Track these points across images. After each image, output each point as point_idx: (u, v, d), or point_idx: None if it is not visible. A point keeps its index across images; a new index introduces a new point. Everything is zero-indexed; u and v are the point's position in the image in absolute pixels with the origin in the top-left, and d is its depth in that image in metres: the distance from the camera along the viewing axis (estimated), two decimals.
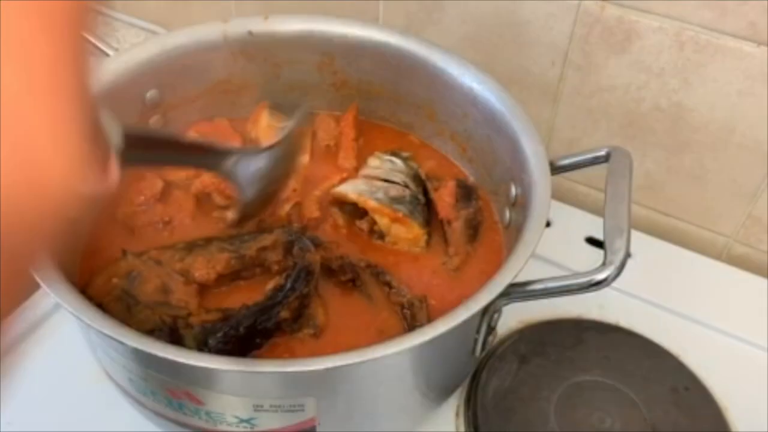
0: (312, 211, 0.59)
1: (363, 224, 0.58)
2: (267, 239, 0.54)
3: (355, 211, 0.58)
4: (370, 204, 0.57)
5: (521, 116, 0.56)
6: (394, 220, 0.57)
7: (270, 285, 0.52)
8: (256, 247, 0.53)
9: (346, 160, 0.63)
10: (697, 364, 0.62)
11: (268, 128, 0.63)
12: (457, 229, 0.58)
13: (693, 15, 0.62)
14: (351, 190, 0.58)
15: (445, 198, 0.59)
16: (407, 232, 0.57)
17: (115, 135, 0.38)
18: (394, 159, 0.61)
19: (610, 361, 0.62)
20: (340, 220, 0.59)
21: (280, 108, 0.65)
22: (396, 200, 0.57)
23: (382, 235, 0.58)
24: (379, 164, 0.61)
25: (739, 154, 0.67)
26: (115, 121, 0.39)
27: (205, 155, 0.49)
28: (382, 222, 0.57)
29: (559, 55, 0.70)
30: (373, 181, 0.58)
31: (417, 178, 0.61)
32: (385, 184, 0.58)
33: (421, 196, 0.59)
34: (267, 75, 0.66)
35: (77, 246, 0.55)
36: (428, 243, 0.58)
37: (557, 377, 0.60)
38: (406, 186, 0.59)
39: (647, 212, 0.76)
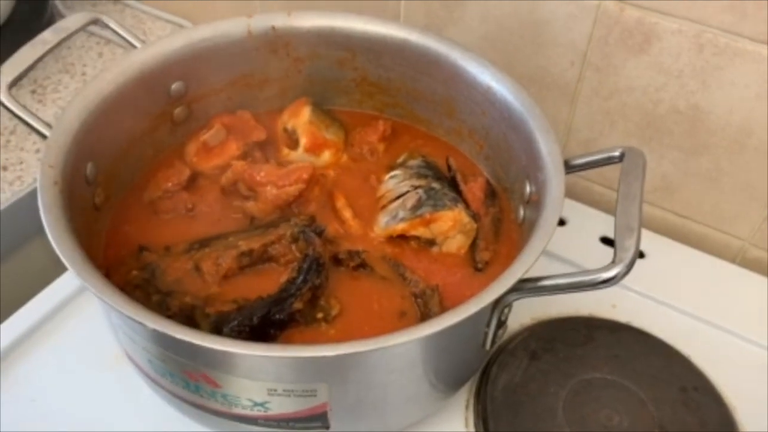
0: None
1: (414, 243, 0.59)
2: (272, 234, 0.56)
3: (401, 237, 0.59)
4: (399, 228, 0.58)
5: (538, 115, 0.57)
6: (427, 222, 0.57)
7: (283, 278, 0.53)
8: (261, 242, 0.55)
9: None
10: (707, 365, 0.62)
11: (309, 124, 0.64)
12: (486, 225, 0.59)
13: (713, 18, 0.62)
14: (380, 229, 0.59)
15: (476, 192, 0.60)
16: (446, 223, 0.57)
17: None
18: (394, 173, 0.62)
19: (620, 360, 0.62)
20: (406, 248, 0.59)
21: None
22: (415, 207, 0.58)
23: (432, 242, 0.58)
24: (385, 189, 0.62)
25: (755, 158, 0.67)
26: None
27: None
28: (421, 231, 0.58)
29: (578, 56, 0.71)
30: (390, 206, 0.59)
31: (427, 169, 0.62)
32: (399, 200, 0.59)
33: (435, 183, 0.60)
34: (289, 69, 0.68)
35: (101, 229, 0.57)
36: (474, 216, 0.58)
37: (567, 374, 0.61)
38: (416, 187, 0.59)
39: (663, 213, 0.77)
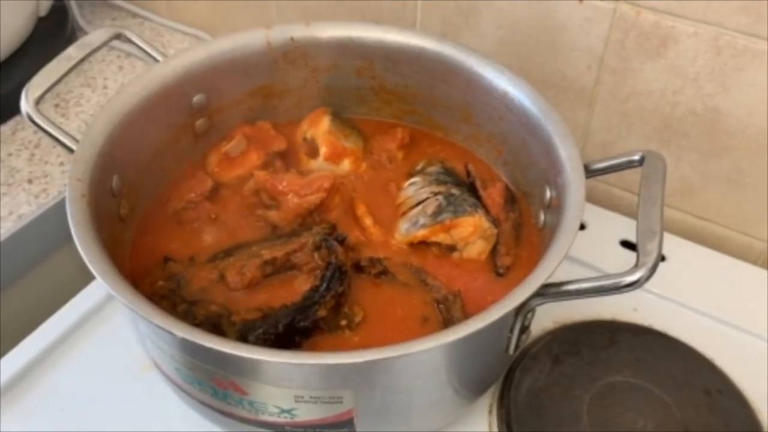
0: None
1: (435, 249, 0.59)
2: (295, 242, 0.56)
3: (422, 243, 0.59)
4: (420, 234, 0.58)
5: (556, 120, 0.57)
6: (448, 228, 0.58)
7: (306, 286, 0.54)
8: (284, 250, 0.55)
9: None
10: (730, 368, 0.62)
11: (328, 134, 0.65)
12: (506, 230, 0.59)
13: (729, 20, 0.62)
14: (400, 236, 0.59)
15: (495, 197, 0.60)
16: (466, 228, 0.57)
17: None
18: (413, 180, 0.63)
19: (643, 363, 0.62)
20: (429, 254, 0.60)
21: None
22: (435, 213, 0.58)
23: (453, 248, 0.59)
24: (405, 195, 0.62)
25: None
26: None
27: None
28: (441, 238, 0.58)
29: (595, 60, 0.71)
30: (410, 213, 0.60)
31: (446, 176, 0.62)
32: (419, 207, 0.59)
33: (455, 190, 0.60)
34: (308, 79, 0.68)
35: (127, 240, 0.58)
36: (494, 221, 0.59)
37: (590, 377, 0.61)
38: (435, 193, 0.60)
39: (683, 216, 0.77)
